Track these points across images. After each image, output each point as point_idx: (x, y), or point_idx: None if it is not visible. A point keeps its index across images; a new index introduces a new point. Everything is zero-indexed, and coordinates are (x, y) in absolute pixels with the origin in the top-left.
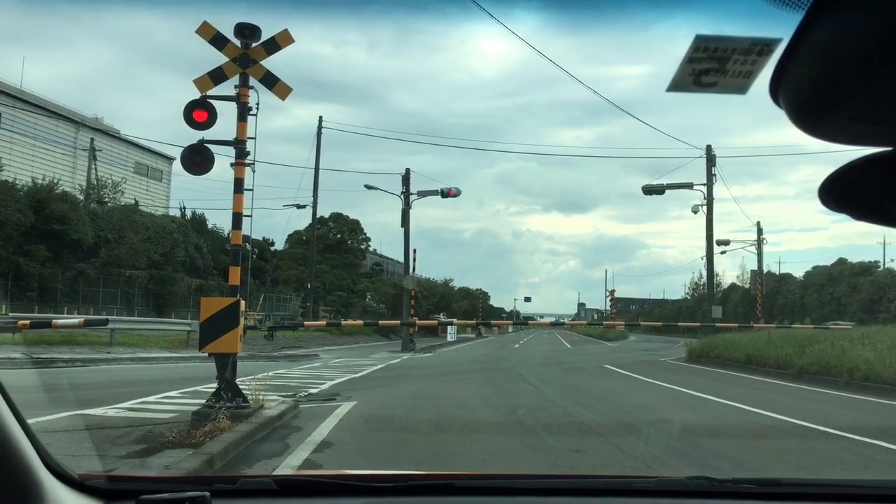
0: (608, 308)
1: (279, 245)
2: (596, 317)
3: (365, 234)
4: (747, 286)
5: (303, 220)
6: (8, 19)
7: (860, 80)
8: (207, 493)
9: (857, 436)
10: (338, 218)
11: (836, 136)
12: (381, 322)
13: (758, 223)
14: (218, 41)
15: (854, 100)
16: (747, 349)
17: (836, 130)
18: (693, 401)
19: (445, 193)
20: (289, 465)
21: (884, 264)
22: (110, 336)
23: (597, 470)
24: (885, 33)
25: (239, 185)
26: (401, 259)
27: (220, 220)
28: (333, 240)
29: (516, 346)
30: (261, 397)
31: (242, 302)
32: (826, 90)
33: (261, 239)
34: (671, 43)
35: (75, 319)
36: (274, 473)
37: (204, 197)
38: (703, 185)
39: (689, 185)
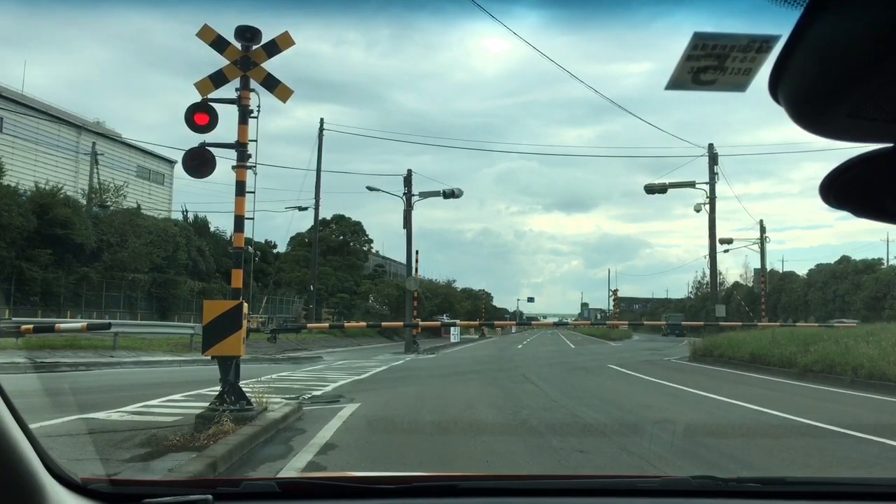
0: (612, 308)
1: (281, 247)
2: (599, 317)
3: (367, 235)
4: (751, 284)
5: (305, 223)
6: (7, 23)
7: (859, 76)
8: (210, 497)
9: (862, 434)
10: (340, 220)
11: (836, 133)
12: (384, 324)
13: (760, 221)
14: (219, 44)
15: (853, 97)
16: (751, 348)
17: (835, 127)
18: (697, 400)
19: (447, 194)
20: (292, 468)
21: (887, 262)
22: (113, 340)
23: (601, 470)
24: (884, 30)
25: (241, 188)
26: (403, 260)
27: (222, 223)
28: (336, 242)
29: (520, 346)
30: (264, 400)
31: (245, 305)
32: (825, 87)
33: (263, 241)
34: (672, 40)
35: (78, 323)
36: (277, 476)
37: (206, 200)
38: (706, 183)
39: (692, 184)
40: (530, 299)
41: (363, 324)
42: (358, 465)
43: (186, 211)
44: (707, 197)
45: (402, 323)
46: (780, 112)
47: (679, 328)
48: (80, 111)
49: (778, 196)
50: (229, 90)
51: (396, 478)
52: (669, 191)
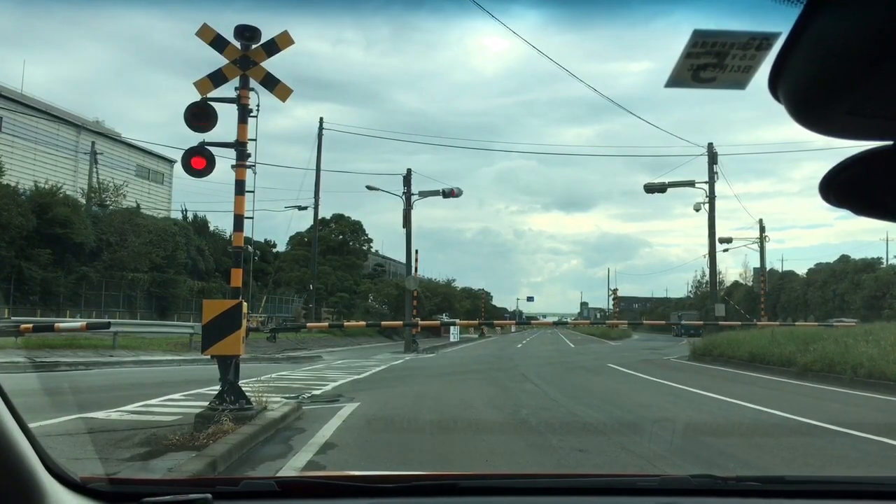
0: (611, 307)
1: (281, 247)
2: (599, 316)
3: (367, 234)
4: (750, 283)
5: (304, 222)
6: (7, 22)
7: (860, 74)
8: (209, 496)
9: (861, 433)
10: (339, 219)
11: (836, 130)
12: (383, 323)
13: (760, 220)
14: (218, 43)
15: (854, 94)
16: (751, 347)
17: (835, 125)
18: (696, 399)
19: (447, 193)
20: (292, 467)
21: (887, 261)
22: (113, 339)
23: (601, 469)
24: (885, 27)
25: (240, 187)
26: (403, 260)
27: (221, 223)
28: (335, 241)
29: (519, 345)
30: (264, 399)
31: (245, 304)
32: (825, 84)
33: (262, 241)
34: (671, 39)
35: (78, 323)
36: (277, 475)
37: (205, 199)
38: (705, 182)
39: (691, 183)
40: (530, 298)
41: (363, 323)
42: (357, 464)
43: (186, 210)
44: (706, 196)
45: (401, 322)
46: (779, 110)
47: (694, 328)
48: (79, 111)
49: (777, 195)
50: (229, 89)
51: (396, 477)
52: (669, 190)
